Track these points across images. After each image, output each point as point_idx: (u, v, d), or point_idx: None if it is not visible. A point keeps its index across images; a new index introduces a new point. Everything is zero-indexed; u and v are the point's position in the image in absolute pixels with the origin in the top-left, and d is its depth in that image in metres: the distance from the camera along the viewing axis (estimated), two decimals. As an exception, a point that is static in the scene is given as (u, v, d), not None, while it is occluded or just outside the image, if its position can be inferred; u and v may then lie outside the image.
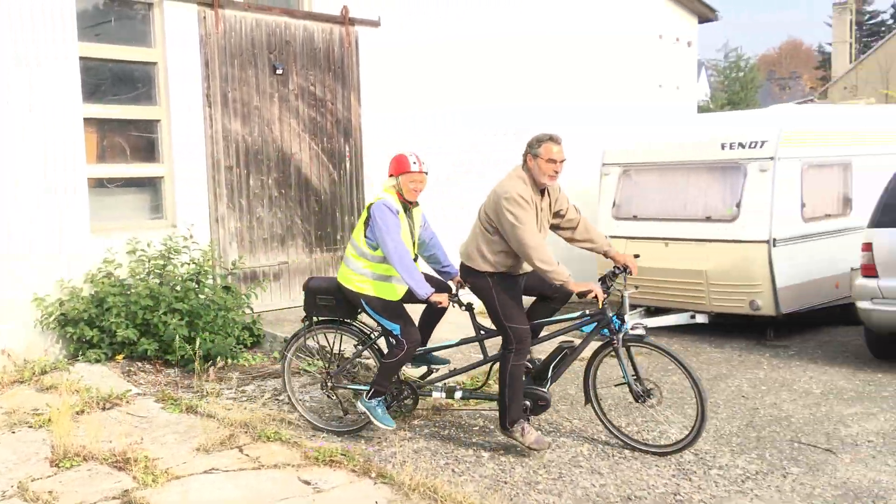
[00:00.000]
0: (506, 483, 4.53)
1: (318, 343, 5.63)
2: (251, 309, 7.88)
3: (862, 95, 22.85)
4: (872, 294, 7.09)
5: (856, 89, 31.09)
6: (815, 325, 9.09)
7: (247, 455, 4.86)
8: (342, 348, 5.52)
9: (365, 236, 5.03)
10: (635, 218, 9.28)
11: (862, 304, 7.19)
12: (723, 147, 8.49)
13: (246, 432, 5.24)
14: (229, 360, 7.10)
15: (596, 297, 4.71)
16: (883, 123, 10.35)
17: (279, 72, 8.62)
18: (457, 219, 9.23)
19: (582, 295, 4.75)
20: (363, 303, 5.10)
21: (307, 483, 4.44)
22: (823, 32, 56.23)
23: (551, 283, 4.76)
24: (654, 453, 4.90)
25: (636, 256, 5.07)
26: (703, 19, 13.53)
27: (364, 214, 5.08)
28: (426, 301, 4.92)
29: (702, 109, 30.68)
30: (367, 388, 5.17)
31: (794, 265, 8.56)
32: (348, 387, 5.55)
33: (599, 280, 4.96)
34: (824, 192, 9.13)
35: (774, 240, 8.40)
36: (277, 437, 5.12)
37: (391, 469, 4.62)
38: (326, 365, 5.51)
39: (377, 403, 5.09)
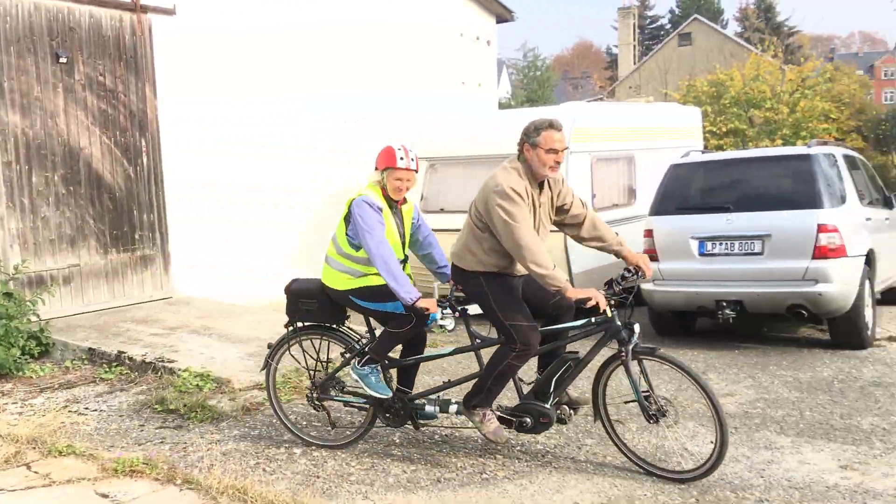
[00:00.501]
0: (318, 477, 4.52)
1: (302, 351, 5.01)
2: (37, 316, 7.28)
3: (644, 94, 24.84)
4: (654, 276, 7.74)
5: (639, 89, 33.75)
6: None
7: (36, 472, 4.51)
8: (329, 356, 5.01)
9: (347, 234, 4.63)
10: (442, 211, 9.53)
11: (645, 286, 7.83)
12: (521, 142, 8.92)
13: (34, 448, 4.86)
14: (14, 373, 6.53)
15: (597, 305, 4.11)
16: (661, 120, 11.34)
17: (63, 60, 8.03)
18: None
19: (581, 303, 4.15)
20: (352, 298, 4.67)
21: (105, 496, 4.19)
22: (611, 35, 60.52)
23: (548, 290, 4.24)
24: (674, 480, 4.30)
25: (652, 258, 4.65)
26: (500, 19, 14.11)
27: (344, 210, 4.66)
28: (412, 308, 4.39)
29: (504, 106, 32.00)
30: (358, 403, 4.83)
31: (588, 252, 9.14)
32: (336, 398, 4.98)
33: (606, 284, 4.36)
34: (612, 184, 9.86)
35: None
36: (71, 451, 4.79)
37: (198, 474, 4.47)
38: (311, 375, 5.01)
39: (370, 371, 4.65)
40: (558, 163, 4.31)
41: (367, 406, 4.83)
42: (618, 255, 4.51)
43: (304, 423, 5.36)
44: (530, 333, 4.28)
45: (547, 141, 4.25)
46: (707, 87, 27.71)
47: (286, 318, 4.98)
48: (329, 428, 5.07)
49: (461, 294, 4.61)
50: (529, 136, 4.31)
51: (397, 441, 5.09)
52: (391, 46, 11.83)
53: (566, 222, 4.58)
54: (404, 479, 4.47)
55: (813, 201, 7.18)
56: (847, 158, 8.16)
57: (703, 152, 9.00)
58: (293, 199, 10.49)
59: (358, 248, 4.55)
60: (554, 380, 4.43)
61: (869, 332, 7.36)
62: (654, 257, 7.78)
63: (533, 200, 4.34)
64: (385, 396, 4.64)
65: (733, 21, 59.02)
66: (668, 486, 4.25)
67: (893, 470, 4.35)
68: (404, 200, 4.73)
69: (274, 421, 5.44)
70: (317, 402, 5.00)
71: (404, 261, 4.67)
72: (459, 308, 4.59)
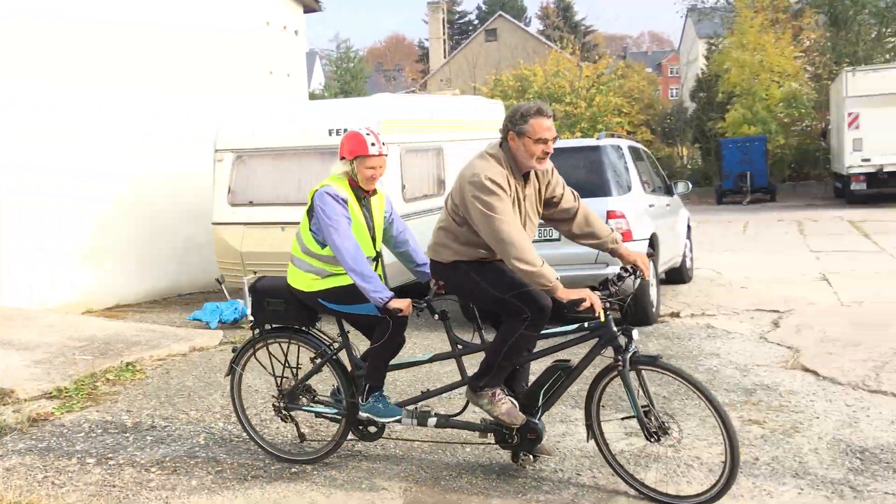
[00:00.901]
0: (114, 486, 4.28)
1: (269, 355, 4.54)
2: None
3: (453, 88, 25.50)
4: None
5: (450, 82, 34.62)
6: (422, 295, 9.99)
7: None
8: (299, 361, 4.55)
9: (311, 230, 4.22)
10: (251, 203, 9.29)
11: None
12: (330, 133, 8.85)
13: None
14: None
15: (591, 307, 3.68)
16: (467, 113, 11.70)
17: None
18: None
19: (573, 305, 3.68)
20: (320, 301, 4.26)
21: None
22: (423, 29, 61.62)
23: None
24: None
25: (649, 255, 4.19)
26: (308, 9, 13.94)
27: (308, 205, 4.25)
28: (385, 309, 3.99)
29: (317, 97, 31.63)
30: (329, 413, 4.43)
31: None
32: (305, 408, 4.52)
33: (600, 285, 3.95)
34: (421, 175, 10.05)
35: (381, 219, 9.05)
36: None
37: (-25, 494, 4.08)
38: (278, 382, 4.53)
39: (376, 399, 4.22)
40: (547, 154, 3.84)
41: (340, 418, 4.41)
42: (613, 253, 4.07)
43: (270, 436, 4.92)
44: (539, 295, 3.78)
45: (536, 129, 3.77)
46: (513, 81, 28.95)
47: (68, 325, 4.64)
48: (298, 441, 4.64)
49: (442, 293, 4.15)
50: (515, 124, 3.81)
51: (202, 442, 4.93)
52: (195, 36, 11.34)
53: (556, 216, 4.13)
54: (209, 480, 4.34)
55: (602, 190, 7.70)
56: (632, 150, 8.83)
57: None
58: (93, 186, 9.91)
59: (323, 244, 4.15)
60: (542, 391, 3.99)
61: (654, 310, 8.03)
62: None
63: (517, 192, 3.89)
64: (398, 418, 4.21)
65: (536, 19, 62.00)
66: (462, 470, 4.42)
67: (671, 433, 4.77)
68: (374, 191, 4.31)
69: (65, 431, 5.08)
70: (284, 413, 4.54)
71: (376, 258, 4.28)
72: (439, 311, 4.13)
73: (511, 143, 3.84)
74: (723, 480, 3.68)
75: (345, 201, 4.10)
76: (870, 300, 8.53)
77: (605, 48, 53.48)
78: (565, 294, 3.65)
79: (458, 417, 4.22)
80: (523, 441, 4.02)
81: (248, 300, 4.53)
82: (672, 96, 59.30)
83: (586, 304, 3.64)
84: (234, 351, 4.64)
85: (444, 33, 47.76)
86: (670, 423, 3.84)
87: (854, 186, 20.10)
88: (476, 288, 3.91)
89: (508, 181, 3.82)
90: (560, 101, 27.68)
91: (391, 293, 3.97)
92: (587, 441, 4.12)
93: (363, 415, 4.23)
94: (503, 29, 46.13)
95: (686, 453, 4.37)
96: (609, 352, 3.87)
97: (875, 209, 18.70)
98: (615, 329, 3.83)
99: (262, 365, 4.53)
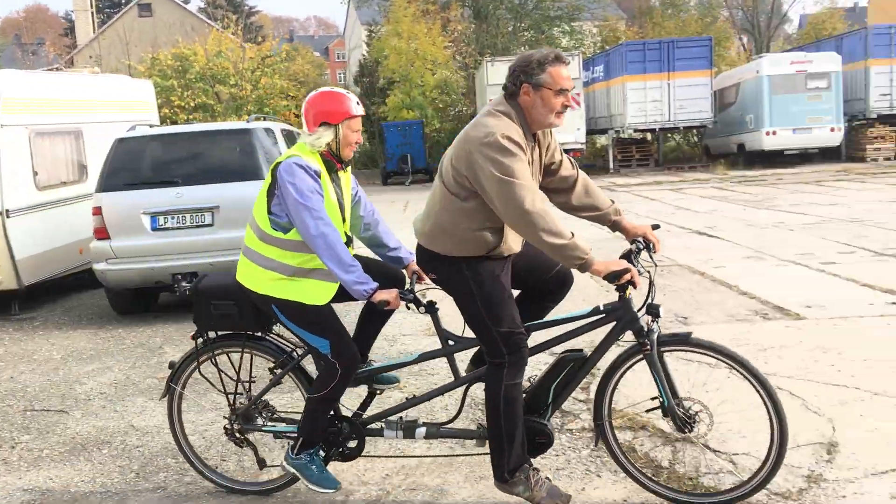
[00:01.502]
0: None
1: (217, 369, 3.69)
2: None
3: (101, 66, 23.53)
4: (106, 255, 7.46)
5: (100, 59, 31.83)
6: (64, 292, 9.17)
7: None
8: (252, 374, 3.74)
9: (270, 213, 3.41)
10: None
11: (98, 266, 7.51)
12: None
13: None
14: None
15: (632, 281, 3.14)
16: (111, 93, 10.87)
17: None
18: None
19: (615, 278, 3.12)
20: (275, 309, 3.44)
21: None
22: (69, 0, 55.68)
23: (548, 259, 3.29)
24: None
25: (655, 227, 3.48)
26: None
27: (267, 180, 3.44)
28: (368, 301, 3.34)
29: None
30: (292, 432, 3.60)
31: (33, 235, 8.40)
32: (264, 428, 3.73)
33: (623, 258, 3.32)
34: (58, 160, 9.16)
35: (7, 211, 8.11)
36: None
37: None
38: (231, 400, 3.71)
39: (309, 459, 3.48)
40: (566, 107, 3.25)
41: None
42: (615, 226, 3.49)
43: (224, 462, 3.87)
44: (521, 341, 3.28)
45: (556, 79, 3.15)
46: (171, 60, 27.45)
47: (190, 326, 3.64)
48: (257, 468, 3.80)
49: (430, 283, 3.48)
50: (531, 74, 3.16)
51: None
52: None
53: (553, 186, 3.49)
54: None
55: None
56: (285, 132, 8.88)
57: (151, 126, 8.91)
58: None
59: (287, 229, 3.39)
60: (553, 387, 3.41)
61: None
62: (105, 235, 7.50)
63: (530, 156, 3.26)
64: (331, 491, 3.51)
65: (197, -4, 59.38)
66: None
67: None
68: (345, 164, 3.59)
69: None
70: (239, 436, 3.73)
71: (348, 242, 3.56)
72: (426, 302, 3.47)
73: (524, 98, 3.20)
74: (770, 466, 3.20)
75: (318, 175, 3.40)
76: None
77: (270, 30, 53.00)
78: (604, 267, 3.13)
79: (451, 425, 3.59)
80: (533, 447, 3.42)
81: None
82: (340, 80, 60.73)
83: (628, 277, 3.14)
84: (171, 367, 3.80)
85: (92, 6, 43.74)
86: (702, 411, 3.32)
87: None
88: (469, 296, 3.28)
89: (524, 142, 3.20)
90: (224, 83, 26.89)
91: (376, 284, 3.33)
92: (595, 445, 3.71)
93: (287, 468, 3.54)
94: (159, 4, 43.50)
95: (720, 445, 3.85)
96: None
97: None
98: (635, 310, 3.30)
99: (208, 381, 3.74)
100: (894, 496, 3.35)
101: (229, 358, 3.73)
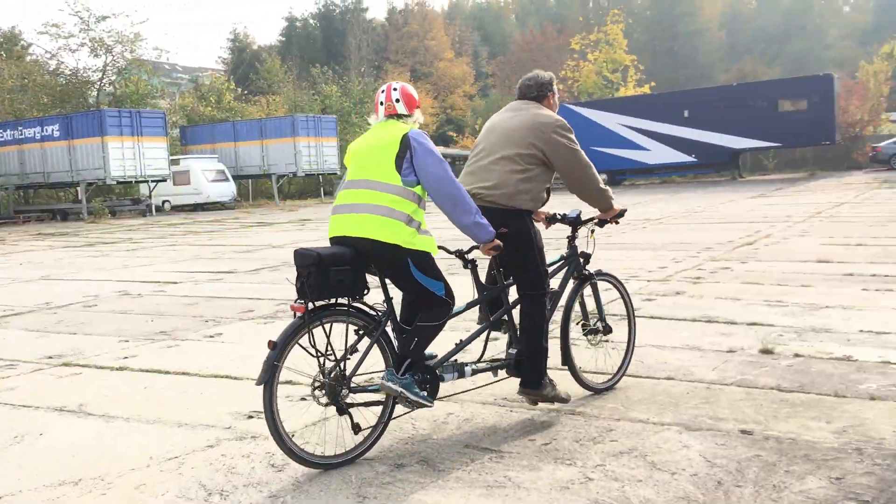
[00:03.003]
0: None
1: (312, 341, 3.79)
2: None
3: None
4: None
5: None
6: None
7: None
8: (330, 342, 3.84)
9: (400, 174, 3.88)
10: None
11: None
12: None
13: None
14: None
15: (621, 214, 4.84)
16: None
17: None
18: None
19: (620, 215, 4.84)
20: (410, 263, 3.88)
21: None
22: None
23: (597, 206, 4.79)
24: (599, 391, 4.82)
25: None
26: None
27: (394, 146, 3.90)
28: (487, 244, 4.13)
29: None
30: (395, 368, 3.93)
31: None
32: (368, 388, 3.94)
33: (549, 220, 4.88)
34: None
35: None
36: None
37: None
38: (326, 369, 3.80)
39: (411, 380, 3.92)
40: None
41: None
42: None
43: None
44: (548, 280, 4.56)
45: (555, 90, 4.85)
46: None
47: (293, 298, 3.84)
48: (353, 434, 3.90)
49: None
50: (551, 87, 4.74)
51: None
52: None
53: None
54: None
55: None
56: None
57: None
58: None
59: (415, 185, 3.93)
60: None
61: None
62: None
63: None
64: (430, 406, 3.98)
65: None
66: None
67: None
68: None
69: None
70: (345, 404, 3.85)
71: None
72: (470, 261, 4.39)
73: (550, 101, 4.75)
74: (629, 360, 5.08)
75: None
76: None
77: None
78: (617, 209, 4.78)
79: (482, 362, 4.45)
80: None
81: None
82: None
83: (621, 215, 4.84)
84: (272, 346, 3.68)
85: None
86: (610, 324, 5.04)
87: None
88: (530, 242, 4.42)
89: None
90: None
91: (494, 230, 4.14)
92: (562, 364, 4.71)
93: (392, 387, 3.86)
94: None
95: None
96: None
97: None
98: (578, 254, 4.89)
99: (307, 351, 3.79)
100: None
101: (323, 328, 3.82)
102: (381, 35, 68.85)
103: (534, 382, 4.38)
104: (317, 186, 40.74)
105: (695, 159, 34.95)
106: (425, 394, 3.97)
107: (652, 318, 6.94)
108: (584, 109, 37.35)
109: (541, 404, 4.52)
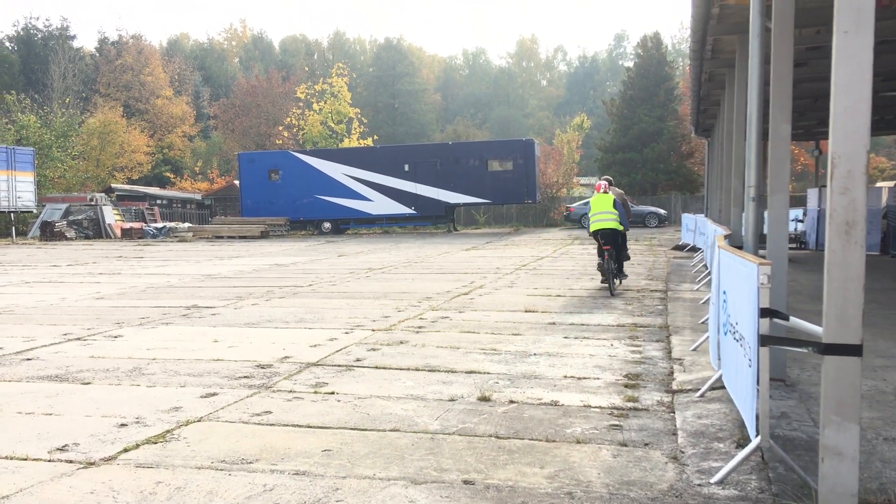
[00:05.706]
0: None
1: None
2: None
3: None
4: None
5: None
6: None
7: None
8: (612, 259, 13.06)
9: (614, 208, 12.90)
10: None
11: None
12: None
13: None
14: None
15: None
16: None
17: None
18: None
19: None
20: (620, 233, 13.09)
21: None
22: None
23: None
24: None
25: None
26: None
27: (611, 199, 12.93)
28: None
29: None
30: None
31: None
32: (617, 275, 14.08)
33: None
34: None
35: None
36: None
37: None
38: (608, 265, 13.69)
39: (623, 275, 13.84)
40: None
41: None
42: None
43: None
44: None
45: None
46: None
47: None
48: None
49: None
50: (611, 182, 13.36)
51: None
52: None
53: None
54: None
55: None
56: None
57: None
58: None
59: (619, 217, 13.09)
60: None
61: None
62: None
63: None
64: (625, 278, 14.24)
65: None
66: None
67: None
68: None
69: None
70: (612, 277, 13.16)
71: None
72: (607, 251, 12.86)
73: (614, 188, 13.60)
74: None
75: None
76: None
77: None
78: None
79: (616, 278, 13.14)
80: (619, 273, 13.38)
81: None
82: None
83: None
84: (600, 268, 13.04)
85: None
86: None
87: None
88: (624, 243, 13.23)
89: None
90: None
91: None
92: (619, 284, 13.12)
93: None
94: None
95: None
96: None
97: None
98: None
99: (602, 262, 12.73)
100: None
101: (609, 255, 12.72)
102: (90, 65, 64.02)
103: (621, 277, 13.21)
104: (7, 225, 36.24)
105: (414, 212, 36.67)
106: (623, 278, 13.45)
107: (377, 367, 7.00)
108: (311, 158, 37.80)
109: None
